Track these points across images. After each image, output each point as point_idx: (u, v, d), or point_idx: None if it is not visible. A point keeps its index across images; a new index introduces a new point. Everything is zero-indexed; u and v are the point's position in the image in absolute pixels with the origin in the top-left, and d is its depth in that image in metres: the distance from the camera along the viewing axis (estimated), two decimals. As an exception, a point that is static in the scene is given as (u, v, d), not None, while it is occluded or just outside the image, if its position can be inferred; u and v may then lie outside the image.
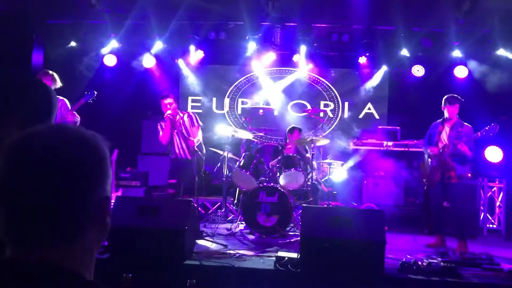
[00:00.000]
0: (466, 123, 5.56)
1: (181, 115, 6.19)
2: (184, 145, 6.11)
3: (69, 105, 5.51)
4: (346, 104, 9.14)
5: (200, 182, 6.09)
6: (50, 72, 5.52)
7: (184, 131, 6.11)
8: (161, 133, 6.10)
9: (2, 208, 0.83)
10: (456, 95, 5.65)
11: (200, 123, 6.28)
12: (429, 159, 5.66)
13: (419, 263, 4.08)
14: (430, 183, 5.64)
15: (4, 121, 1.48)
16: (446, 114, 5.62)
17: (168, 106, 6.01)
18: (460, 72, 8.15)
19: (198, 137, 6.13)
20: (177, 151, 6.14)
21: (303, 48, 8.43)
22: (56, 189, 0.83)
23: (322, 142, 6.81)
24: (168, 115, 5.97)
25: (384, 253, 3.95)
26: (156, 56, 8.62)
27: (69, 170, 0.84)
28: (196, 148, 6.00)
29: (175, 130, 6.10)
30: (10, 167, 0.84)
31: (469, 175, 6.86)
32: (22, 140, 0.86)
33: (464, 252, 4.52)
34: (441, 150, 5.52)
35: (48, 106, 1.55)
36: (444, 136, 5.59)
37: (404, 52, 8.29)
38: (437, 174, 5.52)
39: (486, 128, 5.20)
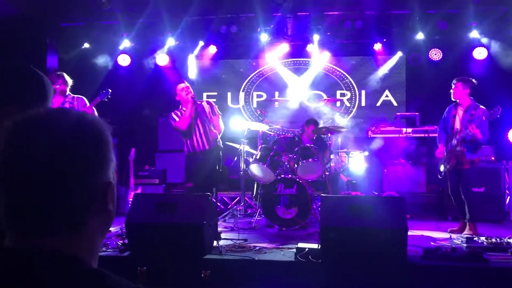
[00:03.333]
0: (481, 106, 5.36)
1: (199, 102, 5.87)
2: (203, 134, 5.72)
3: (87, 102, 5.56)
4: (363, 92, 9.00)
5: (219, 175, 5.88)
6: (60, 73, 5.57)
7: (206, 118, 5.74)
8: (177, 119, 5.66)
9: (2, 196, 0.80)
10: (464, 78, 5.50)
11: (220, 112, 5.95)
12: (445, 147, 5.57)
13: (443, 249, 3.98)
14: (447, 168, 5.52)
15: None
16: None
17: (185, 90, 5.68)
18: (479, 53, 7.94)
19: (221, 127, 5.81)
20: (195, 140, 5.72)
21: (316, 38, 8.32)
22: (56, 175, 0.79)
23: (340, 132, 6.72)
24: (192, 97, 5.61)
25: (407, 240, 3.86)
26: (169, 53, 8.63)
27: (70, 154, 0.81)
28: (218, 139, 5.74)
29: (197, 117, 5.70)
30: (8, 153, 0.80)
31: (493, 158, 6.70)
32: (21, 124, 0.83)
33: (490, 237, 4.38)
34: (454, 143, 5.39)
35: (42, 93, 1.52)
36: (457, 120, 5.45)
37: (420, 36, 8.11)
38: (451, 160, 5.42)
39: (491, 111, 5.04)
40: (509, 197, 6.71)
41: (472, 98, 5.44)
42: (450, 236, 5.08)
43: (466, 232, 5.21)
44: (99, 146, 0.86)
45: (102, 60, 8.51)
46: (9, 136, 0.81)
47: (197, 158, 5.78)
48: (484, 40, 7.97)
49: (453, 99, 5.51)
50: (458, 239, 4.64)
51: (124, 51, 8.56)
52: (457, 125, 5.43)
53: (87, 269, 0.81)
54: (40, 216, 0.80)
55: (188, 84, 5.84)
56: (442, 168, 5.60)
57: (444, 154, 5.54)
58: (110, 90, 5.49)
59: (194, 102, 5.67)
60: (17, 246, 0.81)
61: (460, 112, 5.46)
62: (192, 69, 9.09)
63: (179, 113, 5.78)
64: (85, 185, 0.83)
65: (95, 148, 0.85)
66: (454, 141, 5.39)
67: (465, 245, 4.25)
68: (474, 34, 7.92)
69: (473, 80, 5.48)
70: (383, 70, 8.81)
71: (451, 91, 5.49)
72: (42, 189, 0.79)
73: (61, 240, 0.81)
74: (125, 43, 8.47)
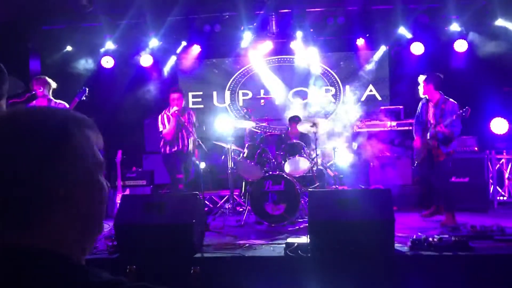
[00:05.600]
0: (450, 99, 5.53)
1: (187, 111, 6.41)
2: (186, 137, 6.24)
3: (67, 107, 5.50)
4: (347, 87, 9.06)
5: (206, 175, 6.27)
6: (41, 77, 5.50)
7: (189, 126, 6.23)
8: (166, 128, 6.15)
9: None
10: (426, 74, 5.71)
11: (197, 123, 6.58)
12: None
13: (430, 239, 4.04)
14: (420, 161, 5.73)
15: None
16: None
17: (176, 101, 6.12)
18: (460, 46, 8.04)
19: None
20: (180, 141, 6.23)
21: (299, 34, 8.36)
22: (7, 171, 0.81)
23: (325, 127, 6.77)
24: (175, 112, 6.04)
25: (394, 231, 3.92)
26: (153, 54, 8.58)
27: (22, 152, 0.82)
28: (199, 143, 6.18)
29: (182, 126, 6.20)
30: None
31: (476, 148, 6.81)
32: None
33: (475, 226, 4.47)
34: (428, 137, 5.58)
35: None
36: (430, 114, 5.63)
37: (402, 30, 8.20)
38: (423, 153, 5.62)
39: (460, 111, 5.26)
40: (492, 186, 6.83)
41: (441, 92, 5.59)
42: (437, 226, 5.16)
43: (445, 222, 5.31)
44: (52, 144, 0.84)
45: (84, 64, 8.44)
46: None
47: (182, 156, 6.21)
48: (464, 33, 8.07)
49: (421, 96, 5.72)
50: (444, 229, 4.71)
51: (107, 53, 8.49)
52: (430, 119, 5.60)
53: (68, 263, 0.82)
54: (8, 212, 0.82)
55: (178, 96, 6.20)
56: (416, 159, 5.82)
57: (419, 146, 5.70)
58: (87, 89, 5.39)
59: (177, 117, 6.09)
60: None
61: (431, 106, 5.63)
62: (177, 70, 9.07)
63: (165, 119, 6.18)
64: (37, 183, 0.82)
65: (47, 146, 0.84)
66: (428, 135, 5.55)
67: (451, 234, 4.32)
68: (455, 27, 8.03)
69: (438, 74, 5.64)
70: (367, 65, 8.88)
71: (421, 89, 5.67)
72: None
73: (31, 234, 0.83)
74: (108, 45, 8.41)
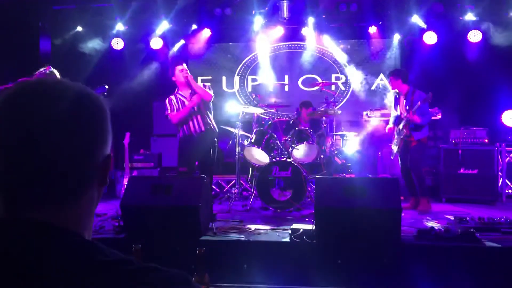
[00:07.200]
0: (418, 90, 5.76)
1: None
2: (200, 116, 5.42)
3: None
4: (358, 75, 8.96)
5: (214, 160, 5.73)
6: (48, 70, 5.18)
7: (202, 101, 5.43)
8: (169, 109, 5.42)
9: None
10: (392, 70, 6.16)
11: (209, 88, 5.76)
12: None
13: (437, 229, 4.02)
14: (398, 150, 5.92)
15: None
16: None
17: (185, 72, 5.42)
18: (474, 36, 7.92)
19: (210, 94, 5.42)
20: (191, 123, 5.41)
21: (311, 21, 8.27)
22: (57, 146, 0.78)
23: (335, 114, 6.73)
24: (186, 78, 5.36)
25: (400, 220, 3.90)
26: (163, 37, 8.55)
27: (71, 127, 0.79)
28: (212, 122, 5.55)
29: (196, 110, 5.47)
30: (6, 122, 0.78)
31: (486, 140, 6.74)
32: (19, 94, 0.80)
33: (483, 217, 4.43)
34: (400, 127, 5.85)
35: None
36: (401, 107, 5.88)
37: (416, 19, 8.07)
38: (400, 143, 5.84)
39: (425, 96, 5.52)
40: (501, 179, 6.77)
41: (409, 85, 5.87)
42: (445, 217, 5.14)
43: (421, 208, 5.54)
44: (99, 119, 0.85)
45: (94, 45, 8.42)
46: (6, 105, 0.79)
47: (193, 140, 5.45)
48: (481, 24, 7.93)
49: (391, 90, 6.05)
50: (452, 219, 4.69)
51: (117, 35, 8.48)
52: (402, 111, 5.83)
53: (79, 240, 0.79)
54: (38, 189, 0.78)
55: (185, 67, 5.56)
56: (395, 149, 5.99)
57: (394, 135, 6.01)
58: (106, 87, 5.30)
59: (191, 90, 5.42)
60: (10, 216, 0.79)
61: (402, 99, 5.89)
62: (186, 53, 9.03)
63: (174, 100, 5.48)
64: (88, 158, 0.82)
65: (96, 121, 0.84)
66: (401, 125, 5.78)
67: (458, 225, 4.30)
68: (469, 16, 7.89)
69: (404, 69, 6.18)
70: (379, 53, 8.78)
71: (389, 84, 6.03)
72: (40, 162, 0.77)
73: (55, 211, 0.80)
74: (119, 27, 8.39)
